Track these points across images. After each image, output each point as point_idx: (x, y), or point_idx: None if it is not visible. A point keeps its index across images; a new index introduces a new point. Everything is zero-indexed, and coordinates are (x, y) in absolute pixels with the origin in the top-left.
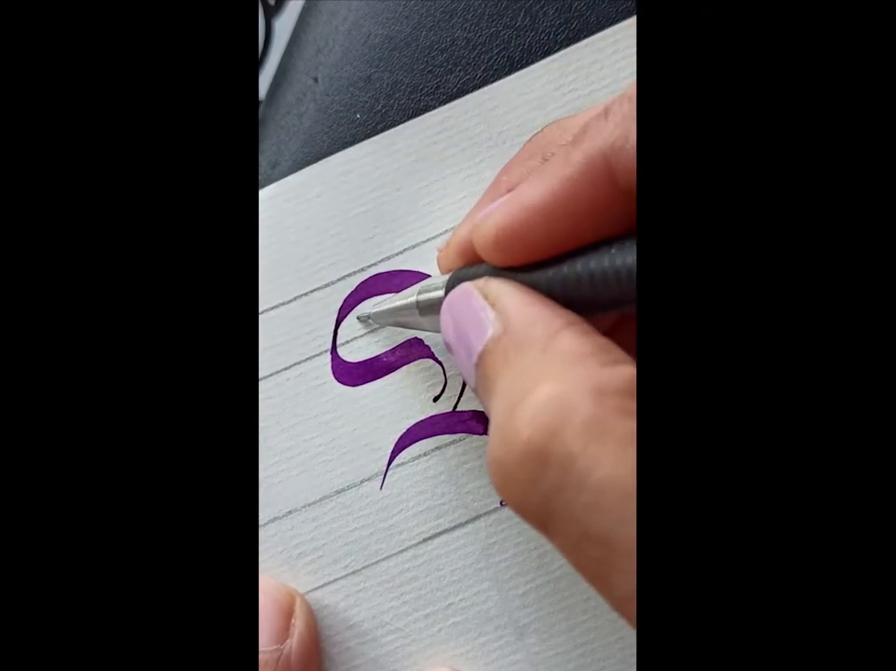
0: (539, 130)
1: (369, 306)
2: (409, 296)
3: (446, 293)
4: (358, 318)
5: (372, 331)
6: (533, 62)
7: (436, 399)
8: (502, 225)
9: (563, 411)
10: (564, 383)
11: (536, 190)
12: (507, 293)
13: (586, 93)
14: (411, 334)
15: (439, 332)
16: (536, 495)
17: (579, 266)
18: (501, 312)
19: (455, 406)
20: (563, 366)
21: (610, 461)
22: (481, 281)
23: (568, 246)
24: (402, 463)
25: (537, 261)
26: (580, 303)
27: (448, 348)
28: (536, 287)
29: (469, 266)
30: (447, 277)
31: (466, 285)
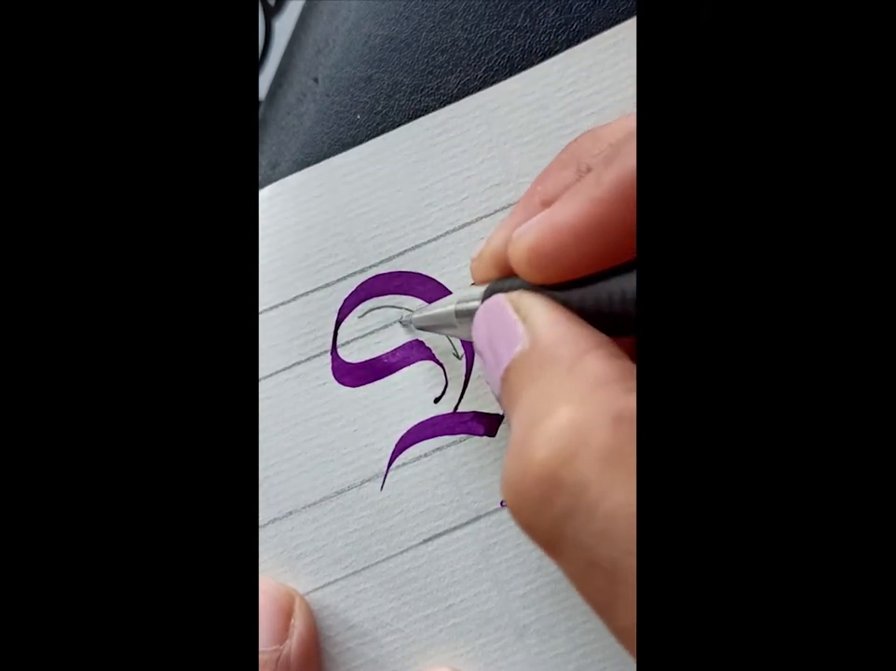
0: (574, 138)
1: (369, 306)
2: (448, 304)
3: (482, 303)
4: (399, 322)
5: (372, 332)
6: (533, 63)
7: (437, 400)
8: (535, 244)
9: (580, 436)
10: (585, 407)
11: (568, 210)
12: (538, 309)
13: (587, 94)
14: (411, 336)
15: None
16: (545, 518)
17: (611, 285)
18: (531, 328)
19: (456, 408)
20: (585, 390)
21: (622, 491)
22: (514, 295)
23: (602, 265)
24: (403, 464)
25: (571, 279)
26: (612, 323)
27: (479, 355)
28: (568, 304)
29: (506, 278)
30: (484, 288)
31: (499, 297)
